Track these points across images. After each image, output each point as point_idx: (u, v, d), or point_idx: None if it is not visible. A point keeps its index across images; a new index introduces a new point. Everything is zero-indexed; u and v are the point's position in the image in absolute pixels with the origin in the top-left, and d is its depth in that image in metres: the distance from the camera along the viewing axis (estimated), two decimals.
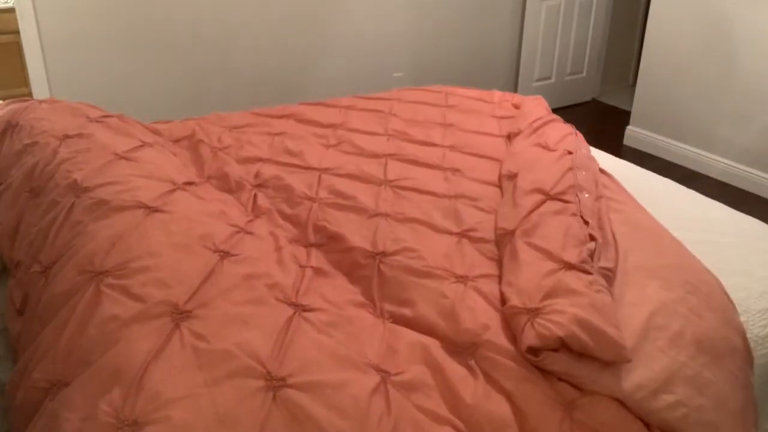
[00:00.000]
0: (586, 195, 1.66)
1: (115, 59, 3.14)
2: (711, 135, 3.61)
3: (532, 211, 1.58)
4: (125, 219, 1.39)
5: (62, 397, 1.02)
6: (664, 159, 3.88)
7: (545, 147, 1.97)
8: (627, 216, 1.67)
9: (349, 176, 1.84)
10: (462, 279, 1.38)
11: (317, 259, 1.49)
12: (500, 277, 1.41)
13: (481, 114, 2.43)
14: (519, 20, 4.37)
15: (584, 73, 4.77)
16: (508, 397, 1.12)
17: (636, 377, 1.16)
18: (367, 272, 1.43)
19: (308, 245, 1.56)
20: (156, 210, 1.44)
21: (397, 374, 1.13)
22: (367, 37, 3.82)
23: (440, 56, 4.15)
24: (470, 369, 1.17)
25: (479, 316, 1.27)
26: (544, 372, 1.16)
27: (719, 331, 1.33)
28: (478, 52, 4.29)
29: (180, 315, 1.15)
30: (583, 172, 1.78)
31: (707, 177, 3.66)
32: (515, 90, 4.55)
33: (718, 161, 3.60)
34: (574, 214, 1.55)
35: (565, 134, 2.06)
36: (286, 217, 1.66)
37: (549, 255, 1.39)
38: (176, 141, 2.11)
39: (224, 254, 1.35)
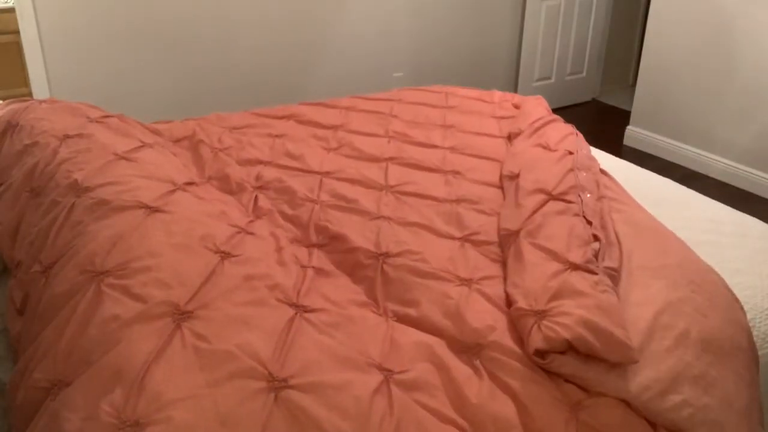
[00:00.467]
0: (588, 195, 1.66)
1: (115, 59, 3.13)
2: (711, 135, 3.61)
3: (535, 211, 1.58)
4: (126, 219, 1.39)
5: (63, 397, 1.02)
6: (664, 159, 3.88)
7: (546, 147, 1.97)
8: (629, 216, 1.66)
9: (351, 181, 1.83)
10: (466, 282, 1.38)
11: (319, 259, 1.49)
12: (505, 279, 1.41)
13: (482, 115, 2.43)
14: (519, 20, 4.37)
15: (584, 73, 4.77)
16: (514, 397, 1.12)
17: (643, 378, 1.16)
18: (370, 272, 1.42)
19: (310, 245, 1.55)
20: (157, 210, 1.44)
21: (400, 372, 1.12)
22: (367, 37, 3.82)
23: (440, 56, 4.14)
24: (475, 369, 1.16)
25: (485, 317, 1.26)
26: (550, 373, 1.16)
27: (724, 330, 1.33)
28: (478, 52, 4.29)
29: (181, 315, 1.15)
30: (584, 173, 1.78)
31: (707, 177, 3.66)
32: (515, 90, 4.55)
33: (718, 161, 3.60)
34: (576, 215, 1.55)
35: (565, 134, 2.06)
36: (287, 218, 1.66)
37: (554, 255, 1.39)
38: (176, 141, 2.11)
39: (225, 255, 1.35)
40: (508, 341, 1.20)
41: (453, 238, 1.57)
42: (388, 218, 1.62)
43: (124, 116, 2.07)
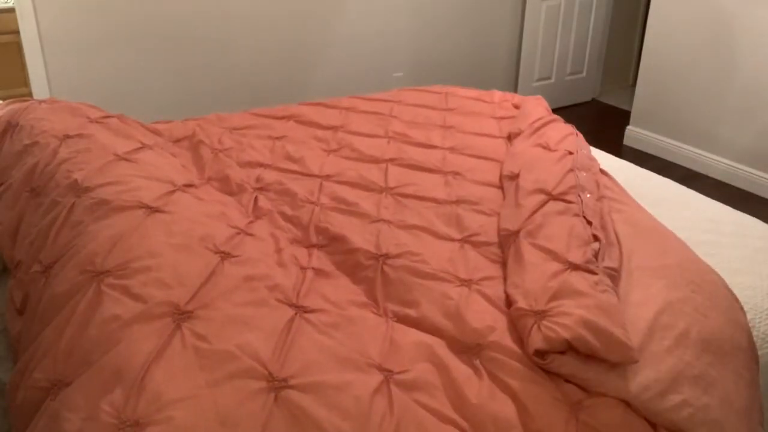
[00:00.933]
0: (588, 195, 1.66)
1: (115, 59, 3.13)
2: (711, 135, 3.61)
3: (535, 211, 1.58)
4: (126, 219, 1.39)
5: (63, 397, 1.02)
6: (664, 159, 3.88)
7: (546, 147, 1.97)
8: (629, 216, 1.67)
9: (350, 184, 1.83)
10: (466, 282, 1.38)
11: (319, 260, 1.49)
12: (505, 279, 1.41)
13: (481, 115, 2.43)
14: (519, 20, 4.37)
15: (584, 73, 4.77)
16: (514, 397, 1.12)
17: (643, 378, 1.16)
18: (370, 273, 1.42)
19: (310, 246, 1.55)
20: (157, 210, 1.44)
21: (400, 373, 1.12)
22: (367, 37, 3.82)
23: (440, 56, 4.14)
24: (475, 369, 1.16)
25: (485, 317, 1.26)
26: (550, 373, 1.16)
27: (724, 330, 1.33)
28: (478, 52, 4.29)
29: (181, 315, 1.15)
30: (584, 173, 1.78)
31: (707, 177, 3.66)
32: (515, 90, 4.55)
33: (719, 161, 3.60)
34: (576, 215, 1.55)
35: (565, 134, 2.06)
36: (287, 219, 1.66)
37: (554, 255, 1.39)
38: (176, 141, 2.11)
39: (225, 255, 1.35)
40: (508, 341, 1.20)
41: (453, 239, 1.57)
42: (388, 221, 1.62)
43: (124, 116, 2.07)
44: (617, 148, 4.04)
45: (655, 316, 1.29)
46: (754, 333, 1.42)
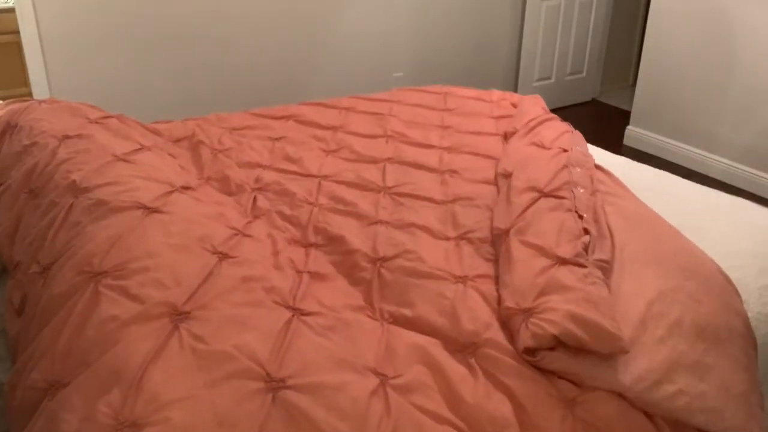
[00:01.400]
0: (581, 190, 1.66)
1: (115, 59, 3.14)
2: (711, 135, 3.60)
3: (526, 209, 1.58)
4: (124, 219, 1.39)
5: (61, 398, 1.02)
6: (664, 159, 3.88)
7: (540, 146, 1.97)
8: (622, 208, 1.66)
9: (348, 184, 1.84)
10: (462, 279, 1.38)
11: (316, 260, 1.49)
12: (497, 278, 1.41)
13: (479, 115, 2.43)
14: (519, 20, 4.37)
15: (584, 73, 4.77)
16: (510, 395, 1.12)
17: (636, 369, 1.16)
18: (368, 275, 1.42)
19: (308, 245, 1.56)
20: (155, 211, 1.44)
21: (395, 377, 1.12)
22: (367, 36, 3.82)
23: (440, 56, 4.14)
24: (470, 368, 1.16)
25: (480, 315, 1.27)
26: (544, 370, 1.16)
27: (719, 316, 1.33)
28: (478, 52, 4.29)
29: (179, 316, 1.15)
30: (578, 169, 1.78)
31: (707, 177, 3.66)
32: (515, 90, 4.54)
33: (719, 161, 3.60)
34: (569, 210, 1.55)
35: (560, 132, 2.06)
36: (286, 218, 1.66)
37: (542, 251, 1.39)
38: (176, 141, 2.11)
39: (223, 256, 1.35)
40: (503, 339, 1.21)
41: (448, 238, 1.57)
42: (386, 222, 1.62)
43: (123, 116, 2.07)
44: (617, 148, 4.04)
45: (648, 306, 1.29)
46: (749, 314, 1.42)
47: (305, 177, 1.88)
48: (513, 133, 2.17)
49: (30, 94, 3.73)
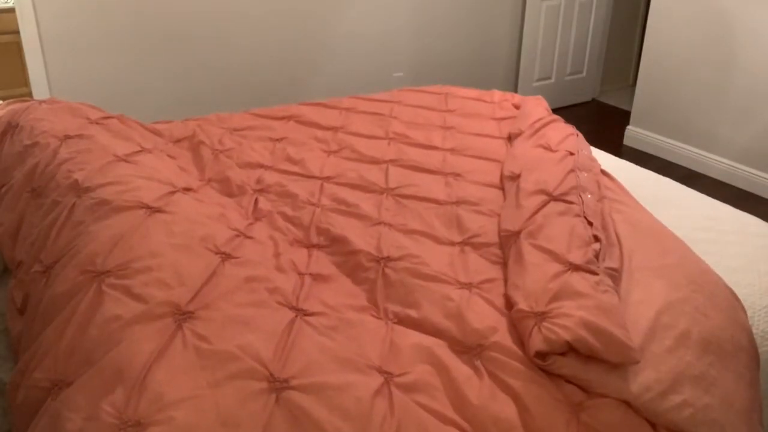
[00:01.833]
0: (589, 196, 1.66)
1: (115, 59, 3.13)
2: (711, 135, 3.61)
3: (536, 212, 1.58)
4: (127, 219, 1.39)
5: (64, 397, 1.02)
6: (664, 159, 3.88)
7: (547, 148, 1.97)
8: (629, 216, 1.67)
9: (351, 185, 1.83)
10: (467, 286, 1.38)
11: (318, 261, 1.49)
12: (506, 280, 1.41)
13: (481, 116, 2.43)
14: (519, 20, 4.37)
15: (584, 73, 4.77)
16: (515, 398, 1.12)
17: (643, 378, 1.16)
18: (372, 275, 1.42)
19: (310, 246, 1.55)
20: (158, 210, 1.44)
21: (400, 375, 1.12)
22: (367, 36, 3.82)
23: (440, 56, 4.14)
24: (476, 369, 1.16)
25: (486, 318, 1.26)
26: (551, 374, 1.16)
27: (725, 330, 1.33)
28: (478, 52, 4.29)
29: (182, 316, 1.15)
30: (585, 174, 1.78)
31: (707, 177, 3.66)
32: (515, 90, 4.55)
33: (719, 161, 3.60)
34: (577, 215, 1.55)
35: (566, 135, 2.06)
36: (288, 219, 1.66)
37: (554, 256, 1.38)
38: (177, 141, 2.11)
39: (226, 256, 1.35)
40: (510, 342, 1.20)
41: (453, 243, 1.56)
42: (389, 224, 1.62)
43: (124, 117, 2.07)
44: (617, 148, 4.05)
45: (656, 316, 1.29)
46: (753, 331, 1.42)
47: (307, 178, 1.88)
48: (518, 135, 2.17)
49: (30, 94, 3.73)
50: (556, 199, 1.63)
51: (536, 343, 1.16)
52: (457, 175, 1.91)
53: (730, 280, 1.52)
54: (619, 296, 1.33)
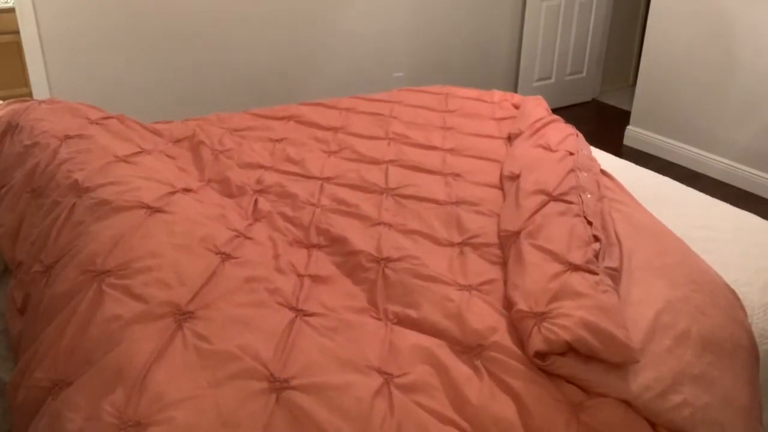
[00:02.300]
0: (589, 196, 1.66)
1: (115, 59, 3.13)
2: (711, 135, 3.61)
3: (535, 212, 1.58)
4: (127, 219, 1.39)
5: (65, 397, 1.02)
6: (664, 159, 3.88)
7: (547, 148, 1.97)
8: (628, 216, 1.67)
9: (351, 186, 1.83)
10: (466, 287, 1.38)
11: (318, 262, 1.49)
12: (505, 281, 1.41)
13: (481, 116, 2.43)
14: (519, 20, 4.37)
15: (584, 73, 4.77)
16: (515, 398, 1.12)
17: (643, 378, 1.16)
18: (372, 275, 1.42)
19: (310, 246, 1.55)
20: (158, 210, 1.44)
21: (400, 376, 1.12)
22: (367, 36, 3.82)
23: (440, 56, 4.14)
24: (476, 369, 1.16)
25: (486, 319, 1.26)
26: (552, 374, 1.16)
27: (725, 329, 1.33)
28: (478, 52, 4.29)
29: (182, 316, 1.15)
30: (585, 174, 1.78)
31: (707, 177, 3.66)
32: (515, 90, 4.55)
33: (718, 161, 3.60)
34: (577, 215, 1.55)
35: (566, 135, 2.06)
36: (287, 219, 1.66)
37: (554, 256, 1.38)
38: (177, 141, 2.11)
39: (225, 256, 1.35)
40: (509, 342, 1.20)
41: (452, 244, 1.56)
42: (389, 224, 1.62)
43: (124, 117, 2.07)
44: (617, 148, 4.05)
45: (656, 315, 1.29)
46: (752, 330, 1.42)
47: (307, 178, 1.88)
48: (517, 135, 2.17)
49: (30, 94, 3.73)
50: (555, 199, 1.63)
51: (536, 343, 1.16)
52: (456, 175, 1.91)
53: (729, 278, 1.52)
54: (619, 296, 1.33)
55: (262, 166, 1.95)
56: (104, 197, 1.47)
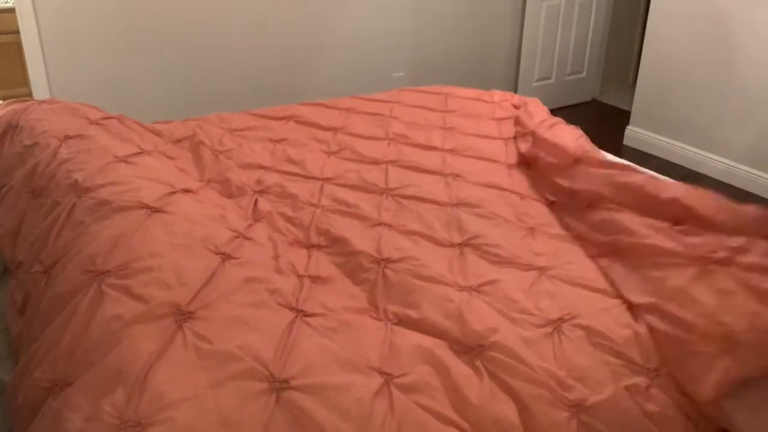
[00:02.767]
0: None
1: (114, 59, 3.13)
2: (711, 135, 3.61)
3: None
4: (127, 219, 1.39)
5: (65, 397, 1.02)
6: (664, 159, 3.88)
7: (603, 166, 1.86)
8: None
9: (351, 186, 1.83)
10: (467, 288, 1.38)
11: (318, 262, 1.49)
12: (506, 281, 1.40)
13: (481, 117, 2.43)
14: (519, 20, 4.37)
15: (584, 73, 4.77)
16: (515, 398, 1.12)
17: None
18: (372, 275, 1.42)
19: (310, 246, 1.55)
20: (158, 211, 1.44)
21: (400, 376, 1.12)
22: (367, 36, 3.82)
23: (440, 56, 4.14)
24: (476, 370, 1.16)
25: (486, 319, 1.26)
26: (551, 373, 1.16)
27: None
28: (478, 52, 4.29)
29: (183, 316, 1.15)
30: None
31: (707, 177, 3.66)
32: (515, 90, 4.54)
33: (718, 161, 3.60)
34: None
35: (577, 137, 2.08)
36: (288, 219, 1.66)
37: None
38: (176, 142, 2.11)
39: (226, 257, 1.35)
40: (511, 342, 1.21)
41: (453, 245, 1.56)
42: (389, 225, 1.62)
43: (123, 117, 2.07)
44: (617, 148, 4.04)
45: None
46: None
47: (307, 179, 1.88)
48: (524, 134, 2.17)
49: (30, 94, 3.72)
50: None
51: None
52: (456, 175, 1.91)
53: None
54: None
55: (262, 167, 1.95)
56: (104, 197, 1.47)
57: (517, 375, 1.14)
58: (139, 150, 1.82)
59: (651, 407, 1.16)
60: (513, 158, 2.07)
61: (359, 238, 1.55)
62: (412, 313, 1.30)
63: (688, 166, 3.76)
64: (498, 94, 2.64)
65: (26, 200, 1.61)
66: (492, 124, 2.35)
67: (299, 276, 1.41)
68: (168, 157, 1.93)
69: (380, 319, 1.31)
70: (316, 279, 1.42)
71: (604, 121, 4.51)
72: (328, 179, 1.88)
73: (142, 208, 1.44)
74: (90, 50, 3.06)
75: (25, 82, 3.90)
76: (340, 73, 3.80)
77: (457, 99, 2.60)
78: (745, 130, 3.43)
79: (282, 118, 2.37)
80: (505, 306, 1.33)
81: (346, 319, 1.26)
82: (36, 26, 2.90)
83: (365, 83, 3.90)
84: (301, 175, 1.90)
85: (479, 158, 2.05)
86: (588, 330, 1.26)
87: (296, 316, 1.23)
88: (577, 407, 1.13)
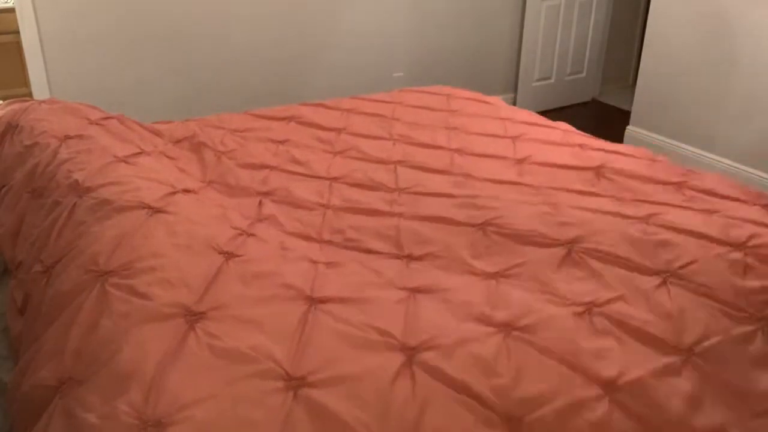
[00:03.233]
0: None
1: (115, 59, 3.13)
2: (711, 135, 3.61)
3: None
4: (129, 219, 1.39)
5: (77, 396, 1.01)
6: None
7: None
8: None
9: (360, 185, 1.81)
10: (493, 276, 1.37)
11: (329, 252, 1.47)
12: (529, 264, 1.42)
13: (484, 116, 2.42)
14: (519, 20, 4.37)
15: (584, 73, 4.77)
16: (545, 374, 1.09)
17: None
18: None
19: (322, 242, 1.54)
20: (159, 210, 1.44)
21: (424, 351, 1.10)
22: (367, 36, 3.82)
23: (440, 56, 4.14)
24: (505, 345, 1.13)
25: (515, 302, 1.26)
26: (585, 349, 1.14)
27: None
28: (478, 52, 4.29)
29: (194, 317, 1.14)
30: None
31: None
32: (515, 90, 4.55)
33: (718, 161, 3.60)
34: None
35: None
36: (295, 218, 1.64)
37: None
38: (177, 142, 2.10)
39: (229, 255, 1.35)
40: (538, 320, 1.19)
41: (473, 225, 1.56)
42: (405, 216, 1.61)
43: (124, 117, 2.07)
44: None
45: None
46: None
47: (314, 178, 1.86)
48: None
49: (30, 94, 3.72)
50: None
51: None
52: (467, 175, 1.88)
53: None
54: None
55: (267, 167, 1.93)
56: (105, 197, 1.47)
57: (547, 352, 1.12)
58: (139, 150, 1.82)
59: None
60: (522, 155, 2.04)
61: (375, 236, 1.54)
62: (438, 293, 1.29)
63: (688, 166, 3.76)
64: (494, 100, 2.64)
65: (26, 200, 1.61)
66: (497, 123, 2.34)
67: (313, 261, 1.39)
68: (168, 157, 1.92)
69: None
70: (330, 264, 1.39)
71: (604, 121, 4.52)
72: (335, 178, 1.85)
73: (144, 208, 1.43)
74: (90, 50, 3.06)
75: (25, 82, 3.90)
76: (340, 73, 3.80)
77: (458, 99, 2.59)
78: (745, 131, 3.43)
79: (283, 119, 2.36)
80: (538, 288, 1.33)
81: (365, 296, 1.24)
82: (36, 26, 2.89)
83: (365, 83, 3.90)
84: (308, 175, 1.88)
85: (488, 156, 2.03)
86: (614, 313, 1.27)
87: (310, 306, 1.21)
88: (610, 386, 1.11)
